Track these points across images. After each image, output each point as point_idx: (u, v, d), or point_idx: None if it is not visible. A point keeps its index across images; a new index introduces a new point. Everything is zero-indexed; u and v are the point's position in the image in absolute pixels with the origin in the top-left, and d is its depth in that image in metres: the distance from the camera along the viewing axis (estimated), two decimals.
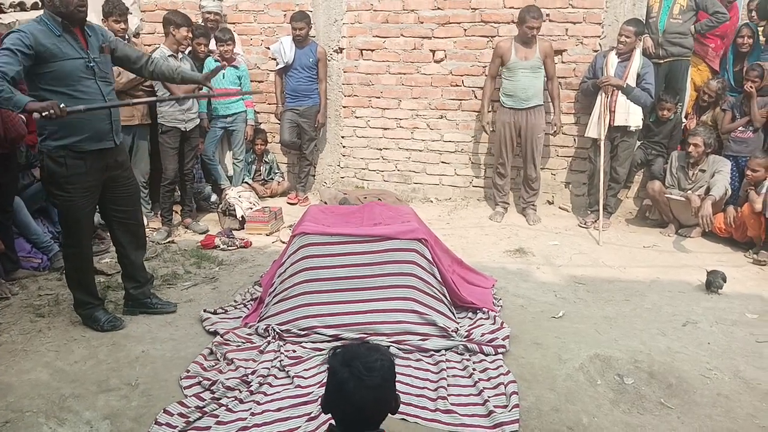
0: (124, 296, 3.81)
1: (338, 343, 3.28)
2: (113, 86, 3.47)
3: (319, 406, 2.67)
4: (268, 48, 6.54)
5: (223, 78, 5.98)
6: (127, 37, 5.21)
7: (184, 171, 5.43)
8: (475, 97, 6.27)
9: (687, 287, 4.33)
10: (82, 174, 3.31)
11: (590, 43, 5.91)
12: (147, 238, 4.03)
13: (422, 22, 6.24)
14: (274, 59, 6.35)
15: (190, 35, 5.23)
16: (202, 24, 6.08)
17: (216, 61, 5.95)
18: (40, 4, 5.38)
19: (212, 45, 5.99)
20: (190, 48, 5.69)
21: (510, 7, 5.97)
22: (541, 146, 5.87)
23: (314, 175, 6.90)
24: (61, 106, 2.93)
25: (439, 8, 6.17)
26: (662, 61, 5.66)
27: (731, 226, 5.14)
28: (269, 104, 6.73)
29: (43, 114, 2.88)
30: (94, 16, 5.26)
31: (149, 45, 6.07)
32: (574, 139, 6.14)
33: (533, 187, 5.93)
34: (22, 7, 5.34)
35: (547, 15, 5.87)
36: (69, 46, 3.18)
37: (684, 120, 5.87)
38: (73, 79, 3.19)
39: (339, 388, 1.77)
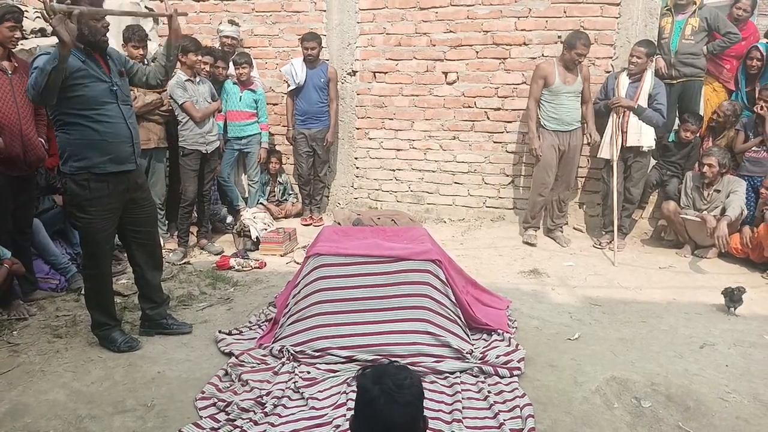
0: (141, 317, 3.83)
1: (352, 365, 3.29)
2: (134, 109, 3.54)
3: (333, 428, 2.70)
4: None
5: (240, 101, 6.08)
6: (146, 62, 5.32)
7: (202, 193, 5.49)
8: (488, 118, 6.31)
9: (704, 308, 4.29)
10: (105, 197, 3.36)
11: (602, 64, 5.95)
12: (163, 259, 4.06)
13: (434, 45, 6.32)
14: (287, 81, 6.44)
15: (200, 58, 5.30)
16: (220, 48, 6.20)
17: (234, 84, 6.05)
18: None
19: (232, 69, 6.10)
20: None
21: (522, 30, 6.04)
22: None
23: (328, 196, 6.95)
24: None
25: (451, 31, 6.25)
26: (675, 82, 5.68)
27: (748, 247, 5.10)
28: (283, 126, 6.81)
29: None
30: (113, 41, 5.37)
31: None
32: (588, 160, 6.15)
33: (563, 209, 5.92)
34: (43, 33, 5.46)
35: (559, 37, 5.92)
36: (93, 72, 3.25)
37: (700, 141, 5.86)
38: (97, 103, 3.26)
39: (369, 406, 1.77)
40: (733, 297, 4.15)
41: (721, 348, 3.67)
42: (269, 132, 6.55)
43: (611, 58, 5.91)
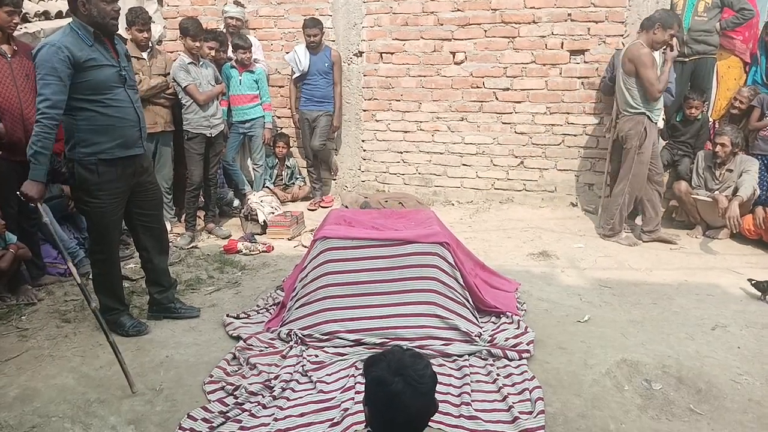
0: (149, 301, 3.84)
1: (360, 348, 3.27)
2: (139, 93, 3.50)
3: (341, 411, 2.70)
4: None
5: (240, 84, 6.02)
6: (150, 45, 5.27)
7: (208, 176, 5.47)
8: (496, 98, 6.23)
9: (716, 290, 4.24)
10: (113, 181, 3.35)
11: (613, 42, 5.83)
12: (170, 243, 4.05)
13: (442, 24, 6.22)
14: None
15: (197, 45, 5.21)
16: (223, 30, 6.13)
17: (232, 67, 5.99)
18: (64, 12, 5.46)
19: (230, 52, 6.03)
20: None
21: (531, 7, 5.93)
22: None
23: (335, 179, 6.91)
24: None
25: (459, 10, 6.15)
26: (687, 59, 5.57)
27: (760, 228, 5.02)
28: (290, 108, 6.75)
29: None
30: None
31: (172, 52, 6.13)
32: (597, 140, 6.06)
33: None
34: (46, 15, 5.42)
35: (569, 14, 5.82)
36: (101, 56, 3.22)
37: (711, 120, 5.76)
38: (106, 87, 3.24)
39: (392, 399, 1.76)
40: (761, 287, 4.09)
41: (732, 330, 3.63)
42: (273, 114, 6.48)
43: (622, 35, 5.80)
